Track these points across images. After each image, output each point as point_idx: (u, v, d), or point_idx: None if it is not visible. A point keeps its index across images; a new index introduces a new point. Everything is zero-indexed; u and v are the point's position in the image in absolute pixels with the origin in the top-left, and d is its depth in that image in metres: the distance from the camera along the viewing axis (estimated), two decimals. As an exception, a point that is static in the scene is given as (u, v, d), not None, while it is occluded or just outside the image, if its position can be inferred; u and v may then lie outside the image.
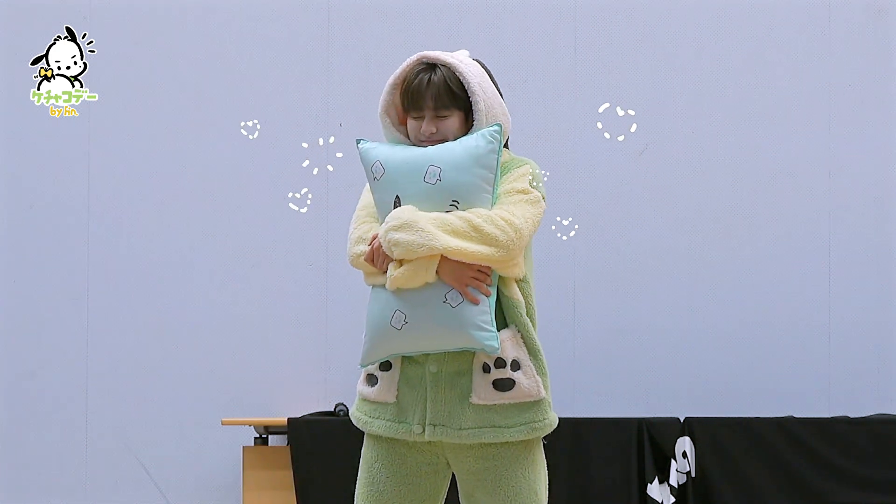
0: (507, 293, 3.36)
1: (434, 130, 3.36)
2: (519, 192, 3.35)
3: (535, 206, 3.36)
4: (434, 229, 3.25)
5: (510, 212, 3.30)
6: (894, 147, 6.80)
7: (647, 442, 6.13)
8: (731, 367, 6.68)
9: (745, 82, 6.78)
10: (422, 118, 3.38)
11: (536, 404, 3.36)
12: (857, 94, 6.78)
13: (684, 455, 6.13)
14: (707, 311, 6.71)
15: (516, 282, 3.37)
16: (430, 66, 3.38)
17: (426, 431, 3.35)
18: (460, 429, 3.34)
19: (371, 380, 3.44)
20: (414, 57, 3.40)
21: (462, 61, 3.40)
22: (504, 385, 3.33)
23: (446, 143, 3.34)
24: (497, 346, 3.29)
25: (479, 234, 3.26)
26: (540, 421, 3.36)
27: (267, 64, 6.85)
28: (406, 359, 3.39)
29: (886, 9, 6.81)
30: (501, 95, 3.47)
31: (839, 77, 6.79)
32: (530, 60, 6.77)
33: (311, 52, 6.85)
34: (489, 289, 3.31)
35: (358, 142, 3.42)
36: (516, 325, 3.36)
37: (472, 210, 3.29)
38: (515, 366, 3.34)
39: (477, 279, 3.30)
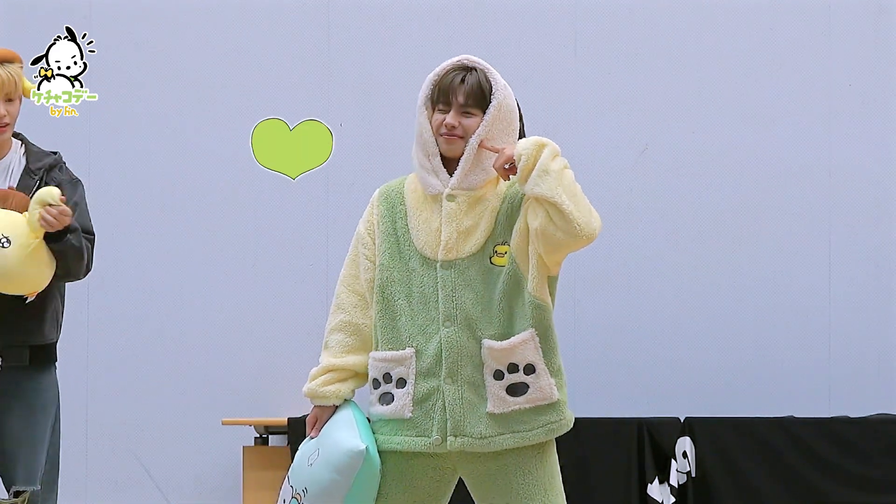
0: (540, 297, 3.39)
1: (455, 125, 3.40)
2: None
3: None
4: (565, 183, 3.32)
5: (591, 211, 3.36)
6: (894, 147, 6.80)
7: (647, 442, 6.14)
8: (731, 367, 6.68)
9: (746, 82, 6.78)
10: (447, 111, 3.41)
11: (552, 406, 3.39)
12: (857, 94, 6.77)
13: (684, 455, 6.13)
14: (707, 311, 6.71)
15: (548, 286, 3.42)
16: (469, 68, 3.44)
17: (447, 442, 3.37)
18: (481, 437, 3.36)
19: (386, 398, 3.45)
20: (455, 58, 3.47)
21: (499, 76, 3.46)
22: (517, 390, 3.37)
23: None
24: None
25: (585, 207, 3.33)
26: (557, 421, 3.40)
27: (267, 64, 6.85)
28: (420, 374, 3.41)
29: (887, 9, 6.81)
30: (523, 129, 3.51)
31: (839, 77, 6.78)
32: (530, 60, 6.77)
33: (311, 52, 6.84)
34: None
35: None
36: (536, 329, 3.39)
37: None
38: (529, 369, 3.37)
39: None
